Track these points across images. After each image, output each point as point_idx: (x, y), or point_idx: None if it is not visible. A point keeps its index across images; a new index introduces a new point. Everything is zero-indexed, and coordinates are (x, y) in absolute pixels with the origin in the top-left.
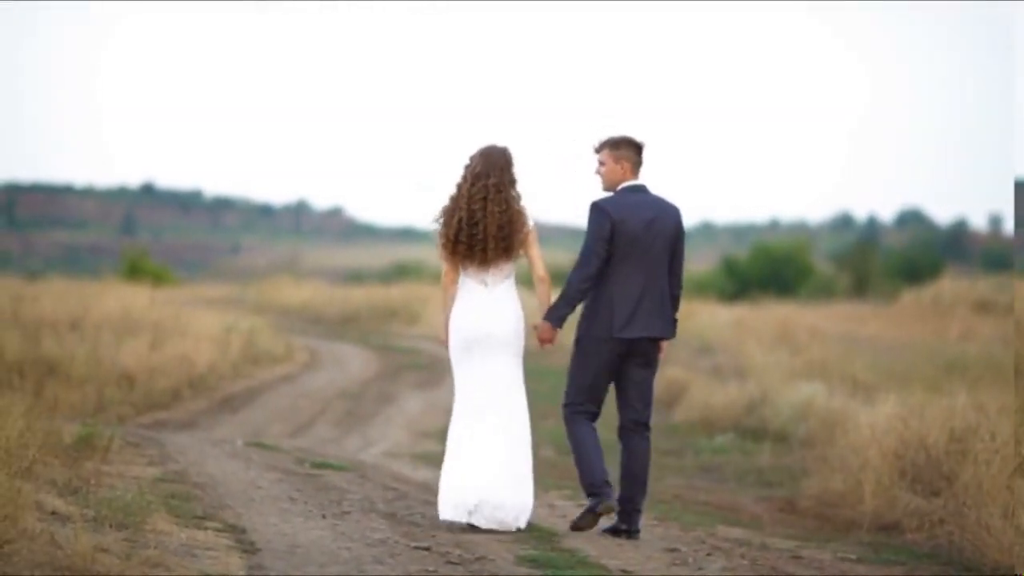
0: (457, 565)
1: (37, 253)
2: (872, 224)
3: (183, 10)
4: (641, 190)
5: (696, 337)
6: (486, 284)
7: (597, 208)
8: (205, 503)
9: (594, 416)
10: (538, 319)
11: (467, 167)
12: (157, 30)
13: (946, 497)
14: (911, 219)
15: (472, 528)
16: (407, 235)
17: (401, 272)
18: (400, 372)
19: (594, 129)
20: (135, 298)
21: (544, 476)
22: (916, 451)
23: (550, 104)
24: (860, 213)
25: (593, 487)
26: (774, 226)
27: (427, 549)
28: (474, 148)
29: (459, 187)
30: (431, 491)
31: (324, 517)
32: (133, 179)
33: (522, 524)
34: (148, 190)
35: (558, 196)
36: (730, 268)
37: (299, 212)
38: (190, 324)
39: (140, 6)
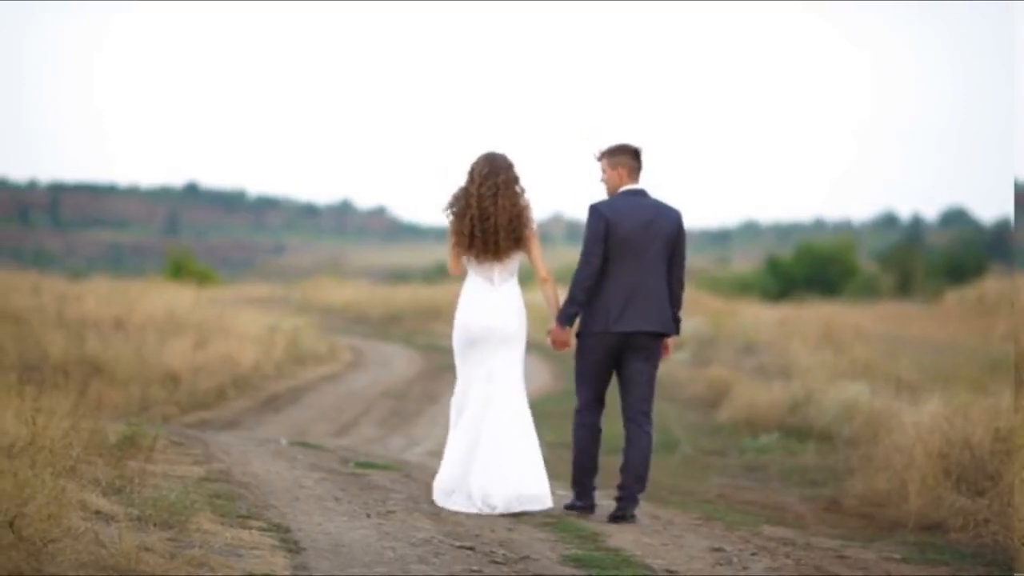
0: (501, 565)
1: (81, 253)
2: (916, 223)
3: (229, 10)
4: (639, 194)
5: (740, 336)
6: (492, 282)
7: (593, 210)
8: (249, 502)
9: (596, 406)
10: (543, 316)
11: (472, 171)
12: (202, 30)
13: (991, 497)
14: (956, 218)
15: (503, 517)
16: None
17: (445, 272)
18: (444, 371)
19: (639, 127)
20: (179, 298)
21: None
22: (961, 451)
23: (594, 102)
24: (904, 212)
25: (575, 482)
26: (818, 225)
27: (471, 549)
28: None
29: (468, 188)
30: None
31: (368, 516)
32: (177, 179)
33: (548, 505)
34: (192, 190)
35: (600, 196)
36: (774, 267)
37: (343, 212)
38: (234, 324)
39: (187, 5)
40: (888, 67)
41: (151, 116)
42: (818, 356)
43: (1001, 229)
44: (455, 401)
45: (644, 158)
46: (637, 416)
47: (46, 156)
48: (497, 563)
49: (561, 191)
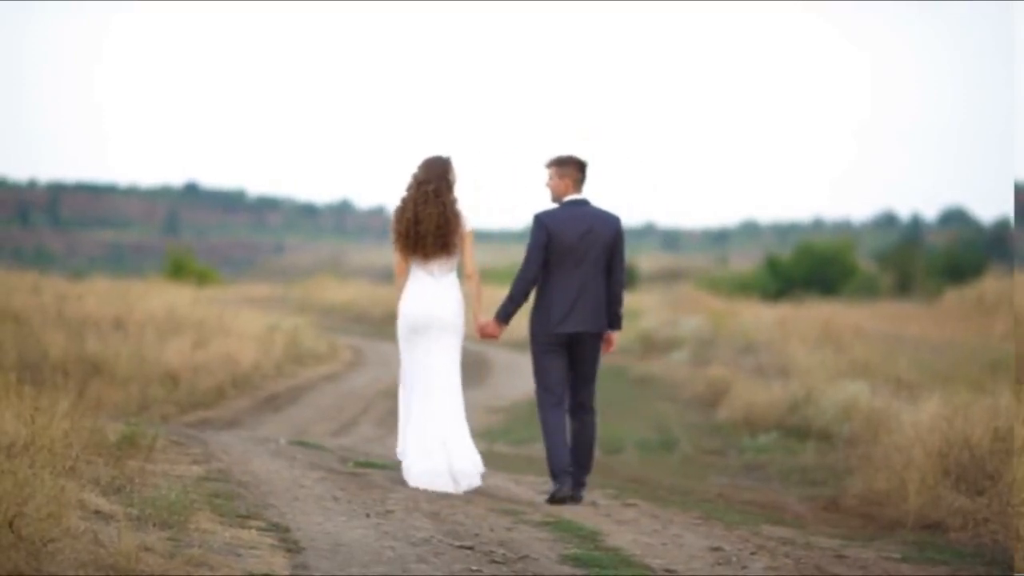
0: (501, 564)
1: (81, 252)
2: (916, 223)
3: (229, 10)
4: (581, 203)
5: (740, 336)
6: (433, 275)
7: (537, 220)
8: (249, 502)
9: (560, 400)
10: (473, 306)
11: (413, 175)
12: (202, 30)
13: (990, 496)
14: (955, 218)
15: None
16: None
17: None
18: None
19: (634, 126)
20: (179, 297)
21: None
22: (960, 450)
23: (595, 102)
24: (904, 212)
25: (555, 474)
26: (818, 225)
27: (470, 548)
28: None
29: (408, 191)
30: (475, 489)
31: (368, 516)
32: (177, 178)
33: (475, 484)
34: (192, 189)
35: (600, 196)
36: (774, 267)
37: (342, 211)
38: (234, 323)
39: (187, 5)
40: (888, 67)
41: (151, 116)
42: (817, 356)
43: (1001, 229)
44: (400, 385)
45: (589, 171)
46: (581, 407)
47: (46, 156)
48: (496, 563)
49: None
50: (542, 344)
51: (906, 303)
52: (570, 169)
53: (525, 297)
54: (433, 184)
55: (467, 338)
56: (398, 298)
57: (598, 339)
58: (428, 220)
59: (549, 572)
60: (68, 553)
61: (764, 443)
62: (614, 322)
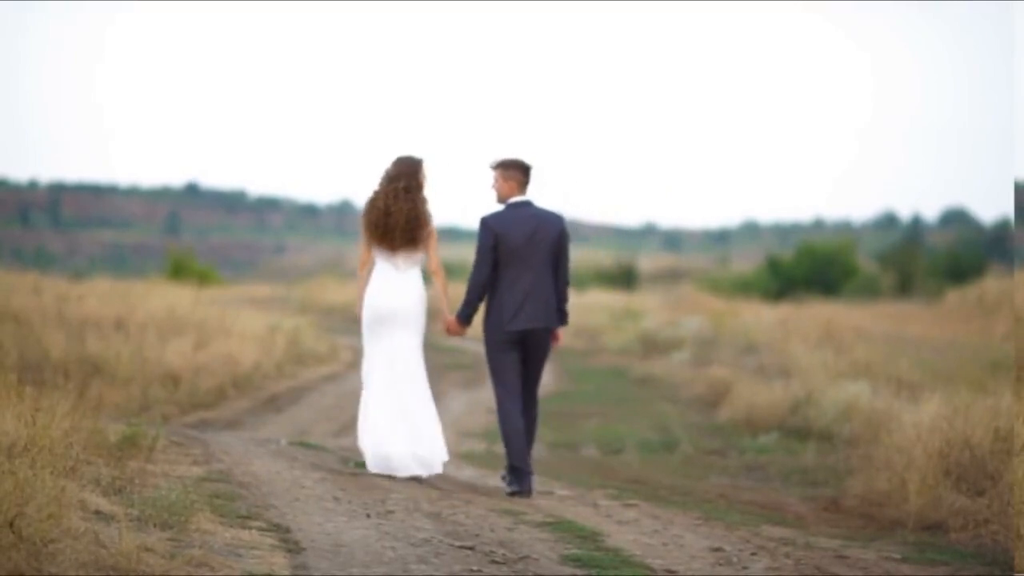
0: (501, 564)
1: (82, 253)
2: (916, 223)
3: (229, 10)
4: (525, 205)
5: (741, 336)
6: (397, 268)
7: (483, 224)
8: (249, 502)
9: (517, 394)
10: (440, 303)
11: (385, 171)
12: (203, 30)
13: (991, 497)
14: (956, 218)
15: (393, 479)
16: (449, 234)
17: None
18: (444, 371)
19: (638, 127)
20: (180, 298)
21: (589, 475)
22: (961, 450)
23: (595, 102)
24: (904, 212)
25: (513, 468)
26: (818, 225)
27: (471, 549)
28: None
29: (380, 186)
30: (475, 490)
31: (368, 516)
32: (177, 179)
33: (437, 470)
34: (192, 190)
35: (601, 196)
36: (775, 268)
37: (343, 212)
38: (235, 324)
39: (187, 5)
40: (889, 67)
41: (152, 116)
42: (818, 356)
43: (1001, 229)
44: (363, 374)
45: (533, 174)
46: (527, 399)
47: (47, 156)
48: (497, 563)
49: (564, 192)
50: (496, 343)
51: (907, 303)
52: (514, 172)
53: (480, 299)
54: (403, 181)
55: (471, 338)
56: (361, 290)
57: (548, 335)
58: (398, 213)
59: (550, 572)
60: (69, 554)
61: (765, 443)
62: (561, 318)
